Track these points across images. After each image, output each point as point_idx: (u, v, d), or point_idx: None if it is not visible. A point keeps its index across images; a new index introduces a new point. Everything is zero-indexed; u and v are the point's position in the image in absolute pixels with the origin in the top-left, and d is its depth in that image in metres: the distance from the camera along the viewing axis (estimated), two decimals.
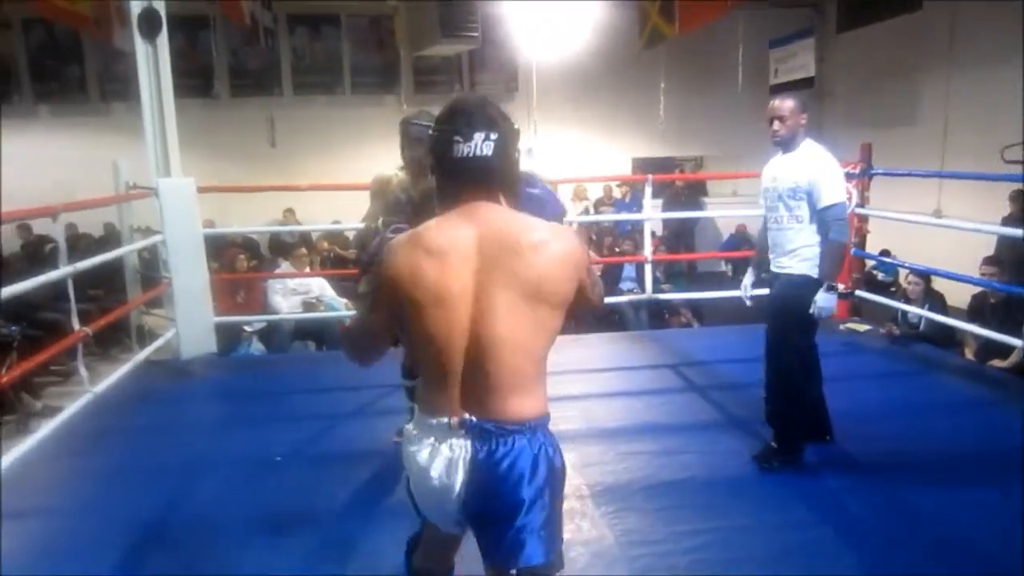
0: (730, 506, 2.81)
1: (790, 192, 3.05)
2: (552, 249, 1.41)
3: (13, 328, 6.04)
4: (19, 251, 9.17)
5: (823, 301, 2.99)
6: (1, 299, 3.21)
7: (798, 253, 3.06)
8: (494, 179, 1.46)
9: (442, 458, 1.42)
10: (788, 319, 3.07)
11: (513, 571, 1.41)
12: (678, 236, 10.46)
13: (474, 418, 1.41)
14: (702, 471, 3.11)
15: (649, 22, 8.63)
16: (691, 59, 10.26)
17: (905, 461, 3.11)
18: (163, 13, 4.61)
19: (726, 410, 3.80)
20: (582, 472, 3.09)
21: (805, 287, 3.02)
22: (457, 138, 1.42)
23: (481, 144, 1.42)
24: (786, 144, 3.09)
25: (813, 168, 3.00)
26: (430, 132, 1.50)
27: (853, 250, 5.31)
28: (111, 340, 6.55)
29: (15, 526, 2.76)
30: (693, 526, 2.66)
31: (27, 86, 10.05)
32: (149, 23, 4.57)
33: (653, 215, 5.85)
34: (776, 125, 3.06)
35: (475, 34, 6.97)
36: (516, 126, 1.50)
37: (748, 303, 3.47)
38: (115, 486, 3.08)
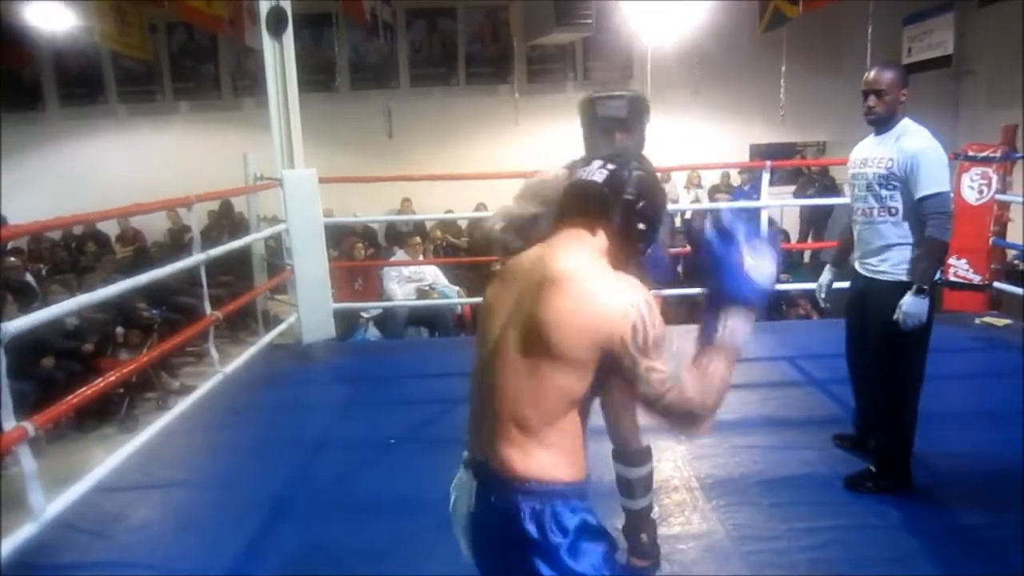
0: (851, 504, 2.68)
1: (882, 179, 2.64)
2: (569, 291, 1.23)
3: (155, 311, 6.56)
4: (164, 238, 9.93)
5: (911, 306, 2.54)
6: (144, 284, 3.48)
7: (891, 253, 2.66)
8: (596, 207, 1.33)
9: (460, 486, 1.42)
10: (897, 339, 2.62)
11: None
12: (810, 224, 10.00)
13: (479, 458, 1.36)
14: (821, 467, 2.97)
15: (771, 3, 8.28)
16: (816, 40, 9.73)
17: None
18: (289, 12, 4.84)
19: (846, 404, 3.58)
20: (692, 464, 3.02)
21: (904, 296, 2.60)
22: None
23: (596, 170, 1.35)
24: (882, 123, 2.69)
25: (911, 151, 2.58)
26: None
27: (992, 239, 4.93)
28: (239, 324, 6.97)
29: (157, 495, 3.00)
30: (811, 523, 2.56)
31: (168, 85, 10.82)
32: (276, 21, 4.80)
33: (770, 203, 5.60)
34: (872, 100, 2.67)
35: (589, 21, 6.92)
36: (649, 165, 1.40)
37: (824, 304, 3.19)
38: (246, 460, 3.29)
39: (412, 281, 6.77)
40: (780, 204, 8.40)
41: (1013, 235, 5.59)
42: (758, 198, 5.66)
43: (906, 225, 2.63)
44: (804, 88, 9.98)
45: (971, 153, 4.94)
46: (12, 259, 7.32)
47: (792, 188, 10.28)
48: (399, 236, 9.20)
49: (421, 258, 7.30)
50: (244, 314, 6.37)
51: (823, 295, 3.13)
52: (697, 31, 8.78)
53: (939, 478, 2.81)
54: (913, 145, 2.59)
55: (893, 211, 2.64)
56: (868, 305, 2.75)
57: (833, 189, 9.22)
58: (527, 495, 1.27)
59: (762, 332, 5.22)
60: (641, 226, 1.35)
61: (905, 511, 2.59)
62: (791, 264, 8.02)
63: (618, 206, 1.33)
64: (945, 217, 2.57)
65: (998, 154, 4.76)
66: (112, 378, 3.07)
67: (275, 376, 4.51)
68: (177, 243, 8.90)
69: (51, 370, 5.26)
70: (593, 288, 1.24)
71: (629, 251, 1.36)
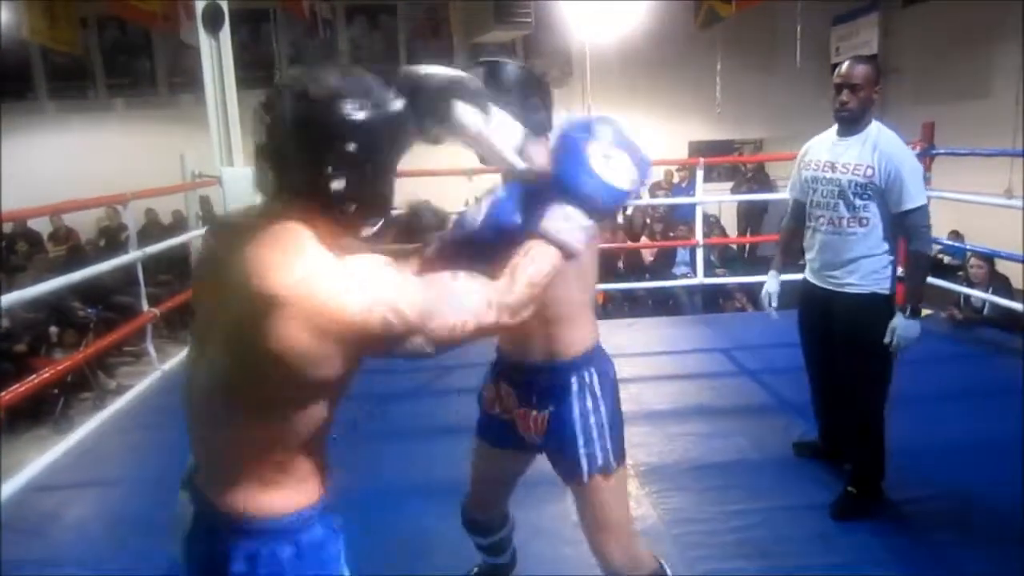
0: (779, 487, 2.81)
1: (859, 188, 2.44)
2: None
3: (91, 311, 6.40)
4: (96, 237, 9.66)
5: (906, 329, 2.42)
6: (79, 282, 3.42)
7: (859, 265, 2.49)
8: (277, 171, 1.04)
9: (182, 506, 1.23)
10: (869, 354, 2.51)
11: None
12: (747, 220, 10.29)
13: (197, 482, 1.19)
14: (752, 453, 3.11)
15: (705, 2, 8.49)
16: (748, 39, 10.04)
17: (959, 445, 3.02)
18: (225, 8, 4.78)
19: (778, 393, 3.76)
20: (629, 453, 3.10)
21: (876, 309, 2.50)
22: None
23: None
24: (854, 122, 2.48)
25: (895, 161, 2.40)
26: None
27: None
28: (179, 322, 6.85)
29: (92, 493, 2.97)
30: (741, 506, 2.68)
31: (102, 81, 10.51)
32: (212, 18, 4.74)
33: (704, 199, 5.78)
34: (846, 95, 2.44)
35: (528, 20, 7.00)
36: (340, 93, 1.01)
37: (774, 316, 2.95)
38: (182, 457, 3.24)
39: None
40: (716, 200, 8.64)
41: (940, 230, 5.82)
42: (694, 194, 5.83)
43: (876, 236, 2.47)
44: (739, 85, 10.27)
45: None
46: None
47: (730, 184, 10.58)
48: None
49: None
50: (183, 312, 6.27)
51: (774, 304, 2.94)
52: (634, 29, 8.95)
53: None
54: (895, 154, 2.42)
55: (864, 222, 2.47)
56: (835, 320, 2.59)
57: (767, 185, 9.51)
58: (241, 534, 1.07)
59: (699, 325, 5.40)
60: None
61: (830, 491, 2.72)
62: (728, 258, 8.26)
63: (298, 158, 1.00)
64: (928, 230, 2.45)
65: (917, 150, 4.99)
66: (46, 376, 3.02)
67: None
68: (112, 241, 8.68)
69: None
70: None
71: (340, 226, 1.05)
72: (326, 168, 0.99)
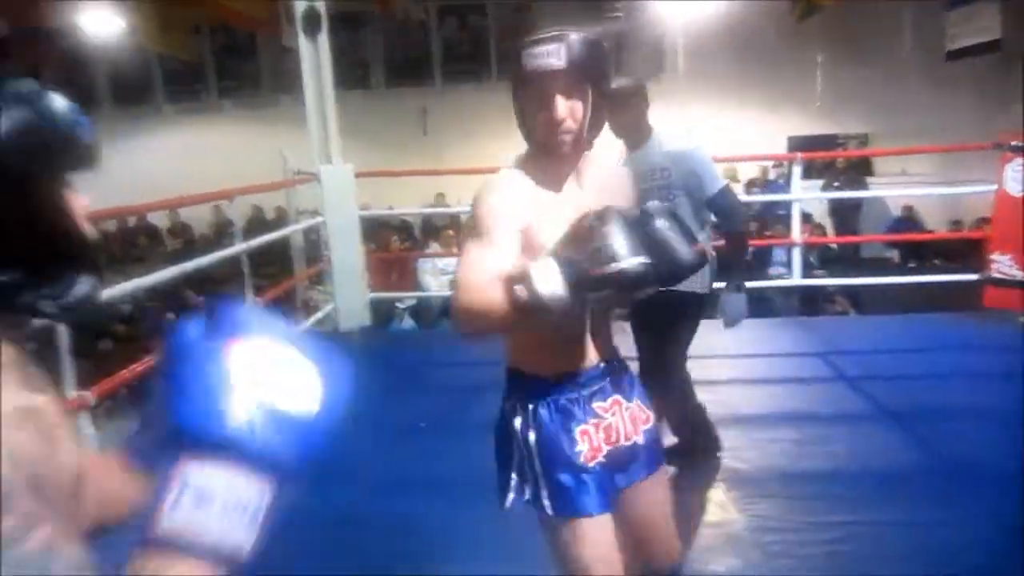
0: (874, 501, 2.68)
1: (662, 191, 2.57)
2: None
3: (200, 298, 6.80)
4: (209, 232, 10.25)
5: (733, 306, 2.60)
6: (191, 273, 3.65)
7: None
8: None
9: None
10: (664, 325, 2.64)
11: None
12: (842, 219, 9.85)
13: None
14: (846, 463, 2.98)
15: None
16: (852, 28, 9.56)
17: None
18: (323, 12, 4.96)
19: (878, 401, 3.59)
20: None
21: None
22: None
23: None
24: (638, 138, 2.69)
25: (684, 157, 2.60)
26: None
27: None
28: (280, 311, 7.16)
29: None
30: (833, 518, 2.57)
31: (213, 83, 11.11)
32: (311, 22, 4.92)
33: (802, 196, 5.57)
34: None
35: (619, 15, 6.92)
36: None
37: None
38: None
39: (446, 273, 6.88)
40: (813, 196, 8.31)
41: None
42: (790, 191, 5.63)
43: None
44: (843, 78, 9.83)
45: (1014, 143, 4.79)
46: None
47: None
48: (434, 229, 9.32)
49: (455, 251, 7.40)
50: (284, 302, 6.56)
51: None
52: (729, 22, 8.71)
53: (980, 482, 2.74)
54: (683, 151, 2.61)
55: None
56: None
57: (860, 182, 9.06)
58: None
59: (795, 327, 5.22)
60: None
61: (930, 509, 2.58)
62: (825, 259, 7.92)
63: None
64: (737, 207, 2.62)
65: None
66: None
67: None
68: (221, 236, 9.18)
69: (108, 351, 5.52)
70: None
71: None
72: None
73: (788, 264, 6.64)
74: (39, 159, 0.65)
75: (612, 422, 1.48)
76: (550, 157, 1.39)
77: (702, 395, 3.60)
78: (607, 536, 1.43)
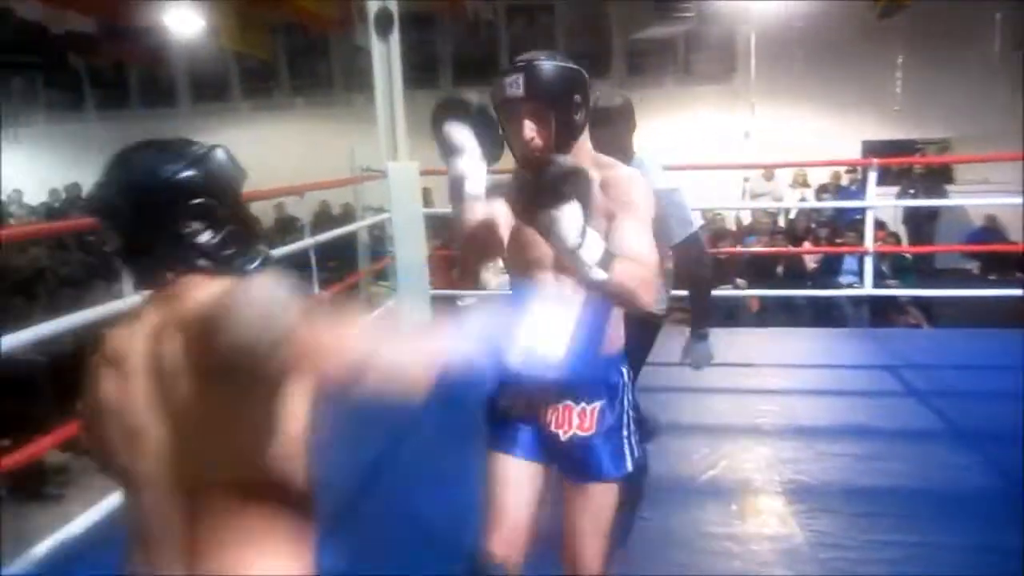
0: (939, 521, 2.59)
1: None
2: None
3: None
4: (273, 225, 10.55)
5: (699, 353, 2.51)
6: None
7: None
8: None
9: None
10: None
11: None
12: (917, 227, 9.49)
13: None
14: (911, 481, 2.89)
15: None
16: (937, 27, 9.20)
17: None
18: (395, 12, 5.05)
19: (948, 418, 3.46)
20: (775, 468, 3.00)
21: None
22: None
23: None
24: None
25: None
26: None
27: None
28: (344, 305, 7.33)
29: None
30: (895, 537, 2.50)
31: (286, 82, 11.45)
32: (383, 22, 5.02)
33: (876, 203, 5.39)
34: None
35: (690, 14, 6.83)
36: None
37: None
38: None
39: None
40: (889, 203, 8.03)
41: None
42: (864, 198, 5.46)
43: None
44: (925, 80, 9.46)
45: None
46: None
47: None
48: None
49: None
50: (348, 296, 6.71)
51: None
52: (804, 22, 8.49)
53: None
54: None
55: None
56: None
57: (938, 190, 8.70)
58: None
59: (864, 338, 5.06)
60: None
61: (999, 531, 2.48)
62: (899, 268, 7.65)
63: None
64: (701, 255, 2.49)
65: None
66: None
67: None
68: (286, 230, 9.42)
69: None
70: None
71: None
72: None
73: (859, 273, 6.45)
74: (232, 182, 1.17)
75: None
76: (526, 169, 1.49)
77: (765, 405, 3.59)
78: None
